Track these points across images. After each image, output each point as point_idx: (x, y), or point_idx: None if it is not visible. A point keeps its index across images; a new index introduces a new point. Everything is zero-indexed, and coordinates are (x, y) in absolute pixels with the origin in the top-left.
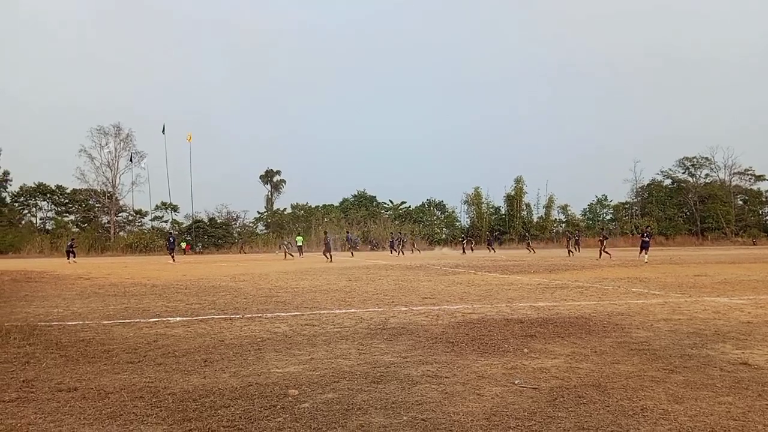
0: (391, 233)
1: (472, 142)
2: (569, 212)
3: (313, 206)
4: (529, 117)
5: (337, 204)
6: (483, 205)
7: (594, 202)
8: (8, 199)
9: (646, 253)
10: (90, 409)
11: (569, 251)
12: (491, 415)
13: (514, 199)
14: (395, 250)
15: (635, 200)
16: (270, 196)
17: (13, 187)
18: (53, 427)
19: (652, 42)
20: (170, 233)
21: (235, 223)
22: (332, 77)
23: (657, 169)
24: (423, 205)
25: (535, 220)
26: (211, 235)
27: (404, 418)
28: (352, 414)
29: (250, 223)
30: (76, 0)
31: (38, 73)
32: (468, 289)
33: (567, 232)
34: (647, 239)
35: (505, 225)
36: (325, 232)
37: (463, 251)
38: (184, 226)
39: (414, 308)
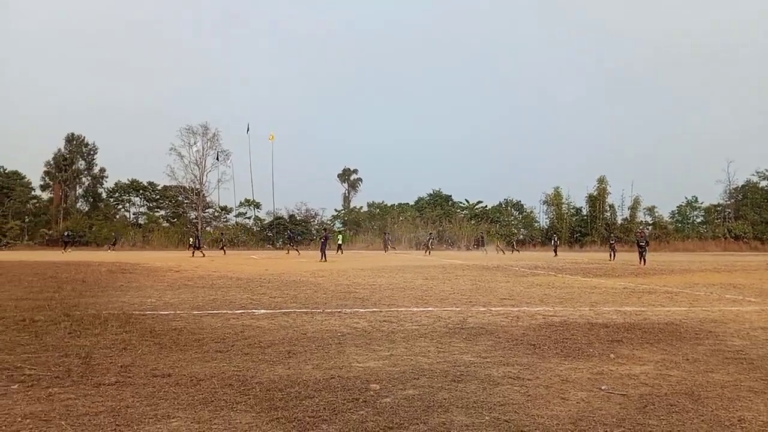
0: (480, 233)
1: (551, 141)
2: (656, 214)
3: (388, 205)
4: (612, 115)
5: (413, 203)
6: (563, 206)
7: (683, 204)
8: (104, 195)
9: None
10: (183, 394)
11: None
12: (577, 419)
13: (596, 200)
14: (480, 248)
15: (728, 202)
16: (347, 195)
17: (109, 183)
18: (150, 410)
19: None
20: (196, 230)
21: (314, 220)
22: (406, 76)
23: (752, 170)
24: (500, 204)
25: (619, 221)
26: (291, 231)
27: (486, 418)
28: (434, 411)
29: (327, 220)
30: (162, 8)
31: (132, 77)
32: (548, 291)
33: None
34: (643, 245)
35: (586, 226)
36: (385, 232)
37: (500, 251)
38: (265, 222)
39: (492, 309)
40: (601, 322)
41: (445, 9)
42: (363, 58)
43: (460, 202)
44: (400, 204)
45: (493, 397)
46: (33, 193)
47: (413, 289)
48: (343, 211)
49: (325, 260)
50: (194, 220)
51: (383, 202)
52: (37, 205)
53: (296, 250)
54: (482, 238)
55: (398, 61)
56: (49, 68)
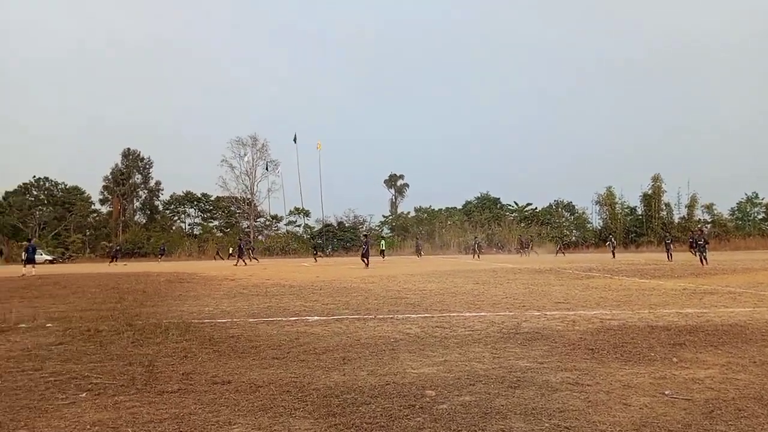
0: (520, 236)
1: (602, 140)
2: (715, 212)
3: (436, 209)
4: (665, 110)
5: (460, 207)
6: (617, 206)
7: (743, 201)
8: (160, 207)
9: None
10: (243, 401)
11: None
12: (641, 425)
13: (651, 199)
14: (522, 251)
15: None
16: (394, 200)
17: (164, 195)
18: (212, 416)
19: None
20: (240, 240)
21: (362, 227)
22: (450, 79)
23: None
24: (550, 206)
25: (676, 221)
26: (339, 238)
27: (546, 425)
28: (491, 418)
29: (375, 226)
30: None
31: (182, 92)
32: (605, 294)
33: (668, 235)
34: (702, 243)
35: (642, 226)
36: (417, 238)
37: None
38: (315, 230)
39: (547, 313)
40: (662, 325)
41: (484, 8)
42: (406, 63)
43: (509, 205)
44: (447, 208)
45: (552, 404)
46: (93, 207)
47: (464, 294)
48: (390, 217)
49: (367, 266)
50: (246, 229)
51: (430, 206)
52: (97, 218)
53: (320, 256)
54: (523, 240)
55: (444, 65)
56: (104, 87)
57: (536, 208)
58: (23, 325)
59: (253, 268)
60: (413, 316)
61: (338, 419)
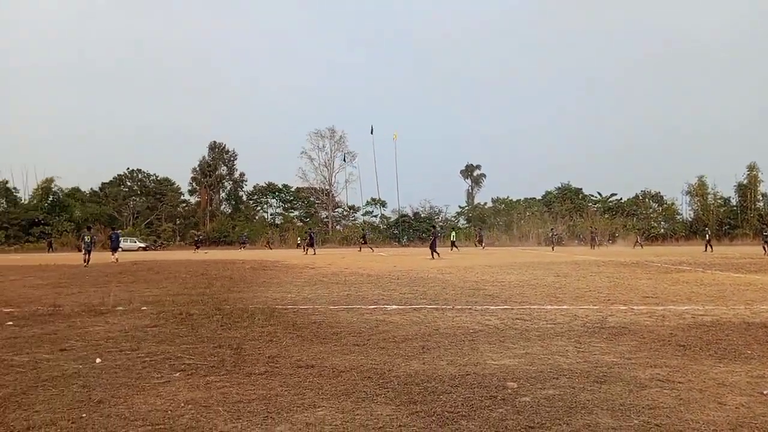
0: (591, 228)
1: (694, 127)
2: None
3: (514, 200)
4: (755, 96)
5: (540, 197)
6: (709, 196)
7: None
8: (244, 198)
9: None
10: (326, 385)
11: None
12: (737, 425)
13: (747, 189)
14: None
15: None
16: (470, 191)
17: (248, 186)
18: (297, 399)
19: None
20: (310, 229)
21: (437, 217)
22: (533, 66)
23: None
24: (636, 196)
25: None
26: (415, 228)
27: (634, 421)
28: (577, 412)
29: (452, 217)
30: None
31: (265, 88)
32: (696, 289)
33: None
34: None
35: (736, 218)
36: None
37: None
38: (391, 220)
39: (634, 307)
40: (759, 322)
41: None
42: (482, 52)
43: (592, 195)
44: (526, 199)
45: (640, 400)
46: (182, 197)
47: (545, 286)
48: (466, 208)
49: (433, 257)
50: (325, 219)
51: (508, 197)
52: (186, 208)
53: (370, 248)
54: (593, 232)
55: (523, 53)
56: (193, 84)
57: (621, 199)
58: (120, 308)
59: (332, 257)
60: (492, 307)
61: (419, 407)
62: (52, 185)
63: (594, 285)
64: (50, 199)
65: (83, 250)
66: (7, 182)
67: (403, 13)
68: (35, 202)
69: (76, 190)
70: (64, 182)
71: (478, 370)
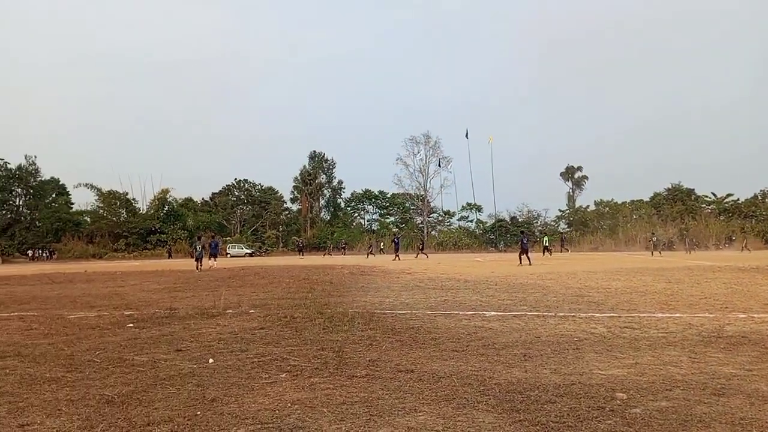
0: (651, 232)
1: None
2: None
3: (619, 202)
4: None
5: (647, 199)
6: None
7: None
8: (342, 204)
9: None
10: (426, 390)
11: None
12: None
13: None
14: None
15: None
16: (571, 194)
17: (346, 193)
18: (398, 403)
19: None
20: (396, 235)
21: (536, 222)
22: (629, 64)
23: None
24: (755, 197)
25: None
26: (513, 233)
27: None
28: (692, 426)
29: (551, 221)
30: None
31: (361, 99)
32: None
33: None
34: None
35: None
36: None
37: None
38: (488, 225)
39: (755, 315)
40: None
41: None
42: (582, 53)
43: (706, 196)
44: (632, 201)
45: (763, 414)
46: (285, 205)
47: (655, 293)
48: (567, 211)
49: (521, 263)
50: (420, 225)
51: (612, 199)
52: (289, 216)
53: (425, 254)
54: (654, 237)
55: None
56: (289, 95)
57: (738, 200)
58: (230, 311)
59: (427, 263)
60: (597, 315)
61: (522, 415)
62: (168, 195)
63: (709, 291)
64: (165, 208)
65: (195, 257)
66: (127, 194)
67: (502, 20)
68: (152, 211)
69: (189, 200)
70: (177, 192)
71: (584, 380)
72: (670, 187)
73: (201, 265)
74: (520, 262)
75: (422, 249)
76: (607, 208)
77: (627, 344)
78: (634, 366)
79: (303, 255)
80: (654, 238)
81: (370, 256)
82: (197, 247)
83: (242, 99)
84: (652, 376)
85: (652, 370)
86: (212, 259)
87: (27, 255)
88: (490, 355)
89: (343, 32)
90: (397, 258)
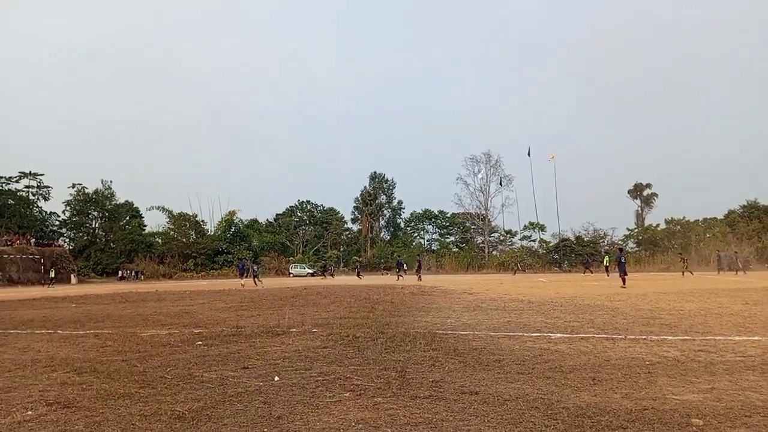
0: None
1: None
2: None
3: (691, 220)
4: None
5: (722, 217)
6: None
7: None
8: (402, 224)
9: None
10: (492, 413)
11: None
12: None
13: None
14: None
15: None
16: (640, 212)
17: (405, 213)
18: (462, 425)
19: None
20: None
21: (603, 241)
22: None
23: None
24: None
25: None
26: (578, 253)
27: None
28: None
29: (619, 240)
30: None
31: (420, 122)
32: None
33: None
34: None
35: None
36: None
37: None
38: (551, 245)
39: None
40: None
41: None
42: (643, 61)
43: None
44: (705, 219)
45: None
46: (346, 225)
47: (731, 315)
48: (636, 230)
49: (624, 285)
50: (481, 245)
51: (684, 217)
52: (349, 236)
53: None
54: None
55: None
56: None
57: None
58: (294, 330)
59: (490, 283)
60: (670, 337)
61: None
62: (234, 217)
63: None
64: (232, 230)
65: (253, 277)
66: (196, 216)
67: (558, 33)
68: (219, 233)
69: (255, 221)
70: (243, 214)
71: (657, 405)
72: (745, 204)
73: (259, 282)
74: (624, 284)
75: (419, 270)
76: (679, 227)
77: (702, 368)
78: (710, 391)
79: (361, 276)
80: (720, 257)
81: (418, 275)
82: (254, 267)
83: (308, 118)
84: (729, 402)
85: (729, 395)
86: (241, 278)
87: (117, 275)
88: (557, 378)
89: (412, 51)
90: (403, 277)
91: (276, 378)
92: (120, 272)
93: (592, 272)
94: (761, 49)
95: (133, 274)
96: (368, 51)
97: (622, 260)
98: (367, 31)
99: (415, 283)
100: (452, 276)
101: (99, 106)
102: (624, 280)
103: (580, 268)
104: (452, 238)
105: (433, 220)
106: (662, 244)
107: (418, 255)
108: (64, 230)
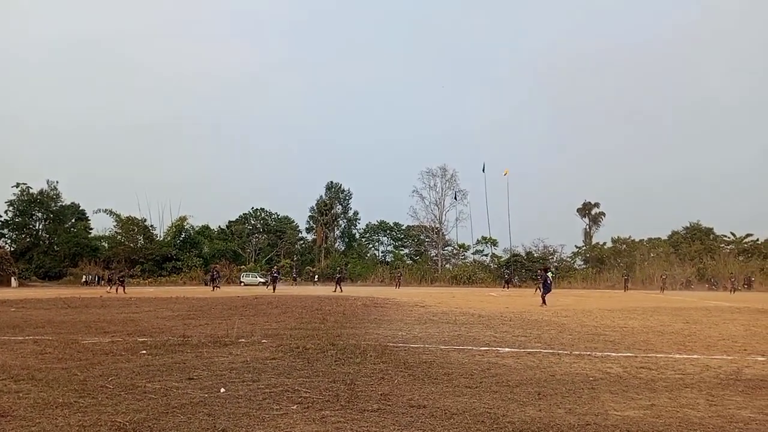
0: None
1: None
2: None
3: (636, 240)
4: None
5: (665, 237)
6: None
7: None
8: (357, 235)
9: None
10: (438, 426)
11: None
12: None
13: None
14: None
15: None
16: (588, 230)
17: (361, 224)
18: None
19: None
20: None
21: (552, 258)
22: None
23: None
24: None
25: None
26: (528, 269)
27: None
28: None
29: (567, 257)
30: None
31: (382, 127)
32: None
33: None
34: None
35: None
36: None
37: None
38: (503, 260)
39: None
40: None
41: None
42: (597, 86)
43: (725, 236)
44: (650, 239)
45: None
46: (300, 234)
47: (672, 334)
48: (584, 248)
49: (544, 304)
50: (434, 258)
51: (630, 237)
52: (303, 245)
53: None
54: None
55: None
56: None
57: (757, 240)
58: (243, 340)
59: (442, 296)
60: (613, 354)
61: None
62: (185, 223)
63: (728, 333)
64: (182, 236)
65: (210, 283)
66: (145, 220)
67: (519, 50)
68: (169, 238)
69: (206, 227)
70: (195, 220)
71: (599, 421)
72: (688, 225)
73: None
74: (543, 302)
75: (339, 281)
76: (624, 246)
77: (643, 385)
78: (650, 408)
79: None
80: (664, 277)
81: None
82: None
83: (268, 126)
84: (668, 419)
85: (668, 412)
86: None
87: (59, 278)
88: (503, 393)
89: (374, 61)
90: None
91: (222, 389)
92: (84, 277)
93: (508, 288)
94: (706, 77)
95: (97, 278)
96: (328, 62)
97: (548, 281)
98: (328, 44)
99: (367, 294)
100: (405, 288)
101: (48, 104)
102: (544, 299)
103: (530, 283)
104: (406, 251)
105: (388, 231)
106: (608, 262)
107: (339, 270)
108: (5, 231)
